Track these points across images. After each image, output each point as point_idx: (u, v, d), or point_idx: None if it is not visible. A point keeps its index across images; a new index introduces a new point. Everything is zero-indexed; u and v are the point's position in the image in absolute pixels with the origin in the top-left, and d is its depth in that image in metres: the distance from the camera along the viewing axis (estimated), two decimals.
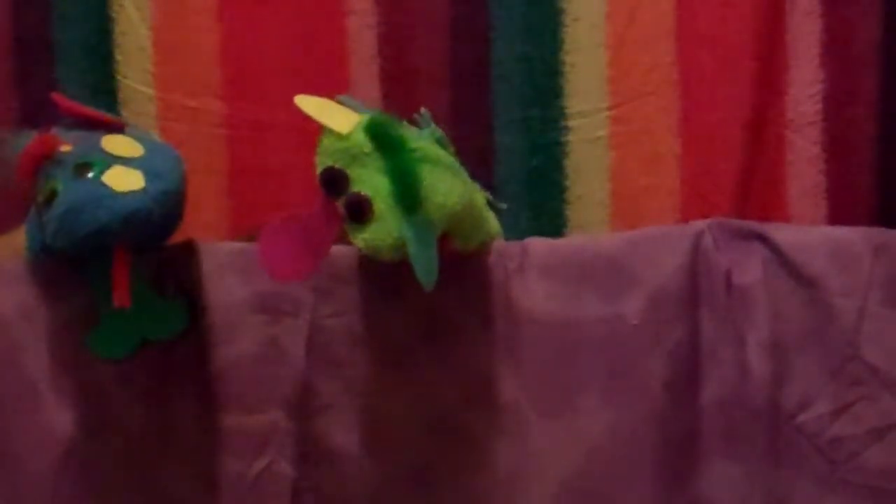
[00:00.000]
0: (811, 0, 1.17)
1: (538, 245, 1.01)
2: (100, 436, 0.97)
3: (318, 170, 0.89)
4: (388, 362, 0.99)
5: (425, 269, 0.86)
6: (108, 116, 1.02)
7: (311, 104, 0.90)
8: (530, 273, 0.98)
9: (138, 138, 0.99)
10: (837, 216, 1.17)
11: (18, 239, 1.05)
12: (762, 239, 0.98)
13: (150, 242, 0.96)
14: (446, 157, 0.94)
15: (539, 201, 1.19)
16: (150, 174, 0.92)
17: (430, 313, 0.99)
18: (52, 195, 0.91)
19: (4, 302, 0.97)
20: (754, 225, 1.01)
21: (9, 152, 0.95)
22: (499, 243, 1.01)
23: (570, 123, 1.19)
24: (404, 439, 0.99)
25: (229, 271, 1.00)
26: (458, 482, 0.99)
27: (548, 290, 0.98)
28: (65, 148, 0.94)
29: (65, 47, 1.18)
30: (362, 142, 0.88)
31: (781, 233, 0.99)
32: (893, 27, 1.16)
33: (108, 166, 0.92)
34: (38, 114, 1.14)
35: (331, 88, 1.17)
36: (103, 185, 0.90)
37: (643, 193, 1.19)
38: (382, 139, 0.88)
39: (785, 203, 1.19)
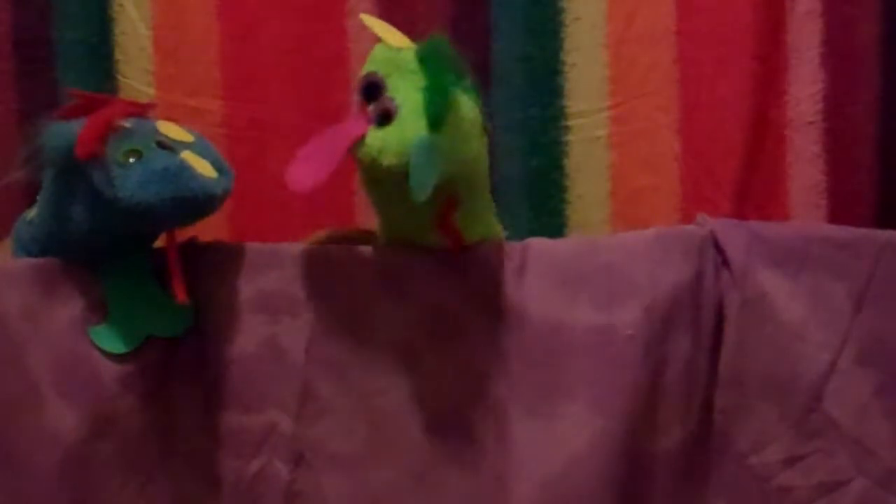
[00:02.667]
0: (811, 0, 1.17)
1: (539, 245, 1.01)
2: (101, 436, 0.97)
3: (362, 73, 0.93)
4: (387, 363, 0.99)
5: (421, 181, 0.88)
6: (140, 103, 1.03)
7: (372, 21, 0.95)
8: (529, 274, 0.98)
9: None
10: (837, 216, 1.17)
11: (5, 251, 1.05)
12: (750, 274, 0.98)
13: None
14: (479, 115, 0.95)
15: (539, 201, 1.19)
16: (215, 166, 0.97)
17: (430, 313, 0.99)
18: (137, 153, 0.92)
19: (7, 302, 0.97)
20: (755, 227, 1.01)
21: (36, 143, 0.95)
22: (500, 242, 1.02)
23: (570, 123, 1.19)
24: (403, 440, 0.99)
25: (229, 271, 1.00)
26: (455, 483, 0.99)
27: (544, 292, 0.98)
28: (128, 123, 0.95)
29: (65, 47, 1.18)
30: (410, 58, 0.91)
31: (767, 274, 0.98)
32: (893, 27, 1.16)
33: (183, 149, 0.95)
34: (38, 114, 1.14)
35: (331, 88, 1.17)
36: (188, 163, 0.94)
37: (643, 193, 1.19)
38: (433, 60, 0.90)
39: (785, 203, 1.19)
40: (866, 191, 1.18)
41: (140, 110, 0.99)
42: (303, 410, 0.99)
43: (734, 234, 0.99)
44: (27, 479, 0.97)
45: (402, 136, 0.88)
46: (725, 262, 0.98)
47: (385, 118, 0.90)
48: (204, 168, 0.95)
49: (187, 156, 0.94)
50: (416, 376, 0.99)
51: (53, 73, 1.18)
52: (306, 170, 0.91)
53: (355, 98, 0.93)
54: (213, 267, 1.00)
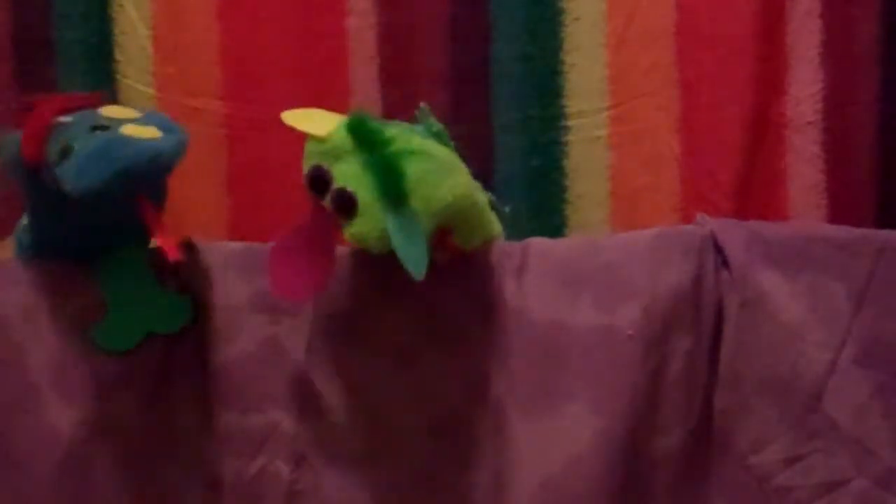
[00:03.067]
0: (811, 0, 1.17)
1: (539, 245, 1.01)
2: (101, 436, 0.97)
3: (305, 170, 0.91)
4: (387, 362, 0.99)
5: (412, 260, 0.87)
6: (85, 95, 1.01)
7: (293, 116, 0.93)
8: (529, 274, 0.98)
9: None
10: (837, 216, 1.17)
11: (5, 251, 1.05)
12: (749, 274, 0.98)
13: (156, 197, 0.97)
14: (440, 150, 0.94)
15: (539, 201, 1.19)
16: (161, 128, 0.93)
17: (430, 313, 0.99)
18: (68, 149, 0.90)
19: (6, 303, 0.97)
20: (755, 227, 1.01)
21: (2, 153, 0.95)
22: (500, 243, 1.02)
23: (570, 123, 1.19)
24: (403, 440, 0.99)
25: (229, 271, 1.00)
26: (456, 483, 0.99)
27: (544, 292, 0.98)
28: (64, 118, 0.94)
29: (65, 47, 1.18)
30: (343, 141, 0.90)
31: (767, 274, 0.98)
32: (893, 27, 1.16)
33: (121, 125, 0.92)
34: None
35: (331, 88, 1.18)
36: (123, 135, 0.91)
37: (643, 193, 1.19)
38: (362, 136, 0.89)
39: (785, 203, 1.19)
40: (866, 191, 1.18)
41: (84, 102, 0.97)
42: (303, 410, 0.99)
43: (734, 234, 0.99)
44: (27, 478, 0.97)
45: (376, 224, 0.88)
46: (725, 262, 0.98)
47: (345, 208, 0.89)
48: (145, 133, 0.92)
49: (126, 128, 0.92)
50: (416, 376, 0.99)
51: (53, 73, 1.18)
52: (298, 278, 0.92)
53: (308, 194, 0.92)
54: (213, 267, 1.00)
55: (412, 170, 0.89)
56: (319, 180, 0.90)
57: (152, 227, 0.93)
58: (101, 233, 0.97)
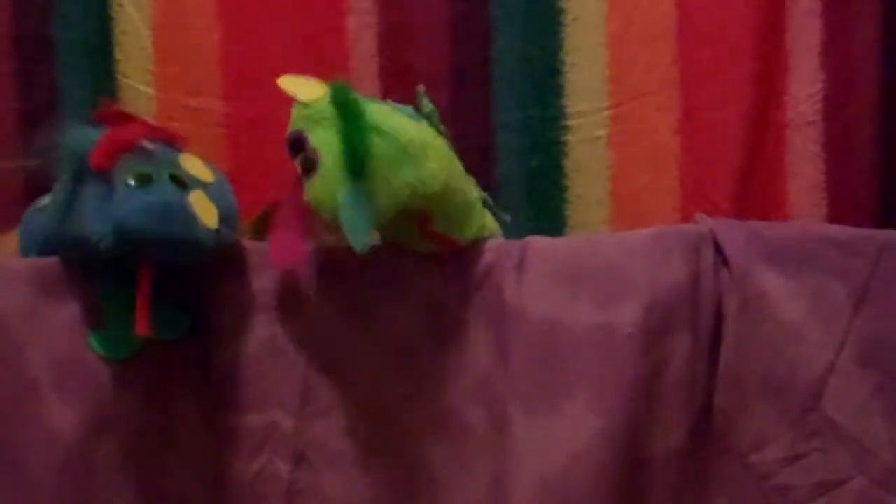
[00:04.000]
0: (811, 0, 1.17)
1: (539, 244, 1.01)
2: (101, 436, 0.97)
3: (286, 136, 0.94)
4: (387, 362, 0.99)
5: (354, 232, 0.89)
6: (168, 129, 1.03)
7: (287, 81, 0.95)
8: (529, 272, 0.98)
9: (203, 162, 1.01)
10: (837, 215, 1.17)
11: (11, 242, 1.05)
12: (749, 273, 0.98)
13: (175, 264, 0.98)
14: (419, 135, 0.94)
15: (539, 201, 1.19)
16: (221, 214, 0.96)
17: (430, 312, 0.99)
18: (148, 179, 0.92)
19: (6, 303, 0.97)
20: (754, 226, 1.01)
21: (66, 141, 0.95)
22: (500, 241, 1.02)
23: (570, 123, 1.19)
24: (403, 439, 1.00)
25: (230, 271, 1.00)
26: (455, 482, 0.99)
27: (544, 290, 0.98)
28: (148, 145, 0.95)
29: (65, 47, 1.18)
30: (324, 108, 0.92)
31: (767, 274, 0.98)
32: (893, 27, 1.16)
33: (194, 189, 0.95)
34: (38, 114, 1.14)
35: None
36: (191, 205, 0.93)
37: (643, 193, 1.19)
38: (342, 106, 0.91)
39: (785, 202, 1.19)
40: (866, 191, 1.18)
41: (168, 136, 0.99)
42: (304, 410, 0.99)
43: (733, 234, 0.99)
44: (27, 479, 0.97)
45: (328, 187, 0.90)
46: (725, 262, 0.98)
47: (309, 169, 0.91)
48: (207, 214, 0.94)
49: (195, 197, 0.94)
50: (416, 375, 0.99)
51: (53, 73, 1.18)
52: (285, 249, 0.95)
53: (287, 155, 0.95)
54: (214, 267, 1.00)
55: (379, 148, 0.91)
56: (297, 142, 0.93)
57: (138, 294, 0.93)
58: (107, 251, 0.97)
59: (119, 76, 1.18)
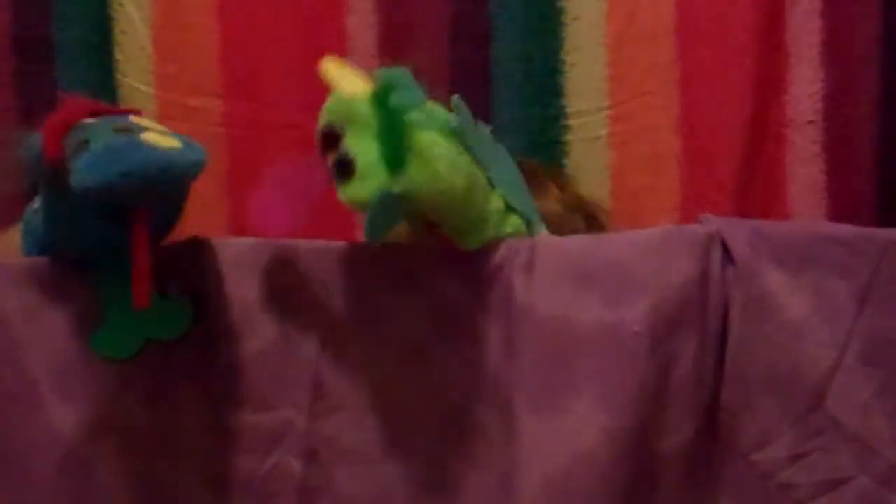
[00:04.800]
0: (811, 0, 1.17)
1: (547, 242, 1.01)
2: (103, 436, 0.97)
3: (319, 125, 0.92)
4: (398, 359, 0.99)
5: (375, 231, 0.89)
6: (120, 108, 1.01)
7: (332, 69, 0.93)
8: (538, 271, 0.98)
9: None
10: (837, 215, 1.18)
11: (13, 239, 1.05)
12: (754, 272, 0.98)
13: (164, 216, 0.95)
14: (448, 150, 0.94)
15: None
16: (184, 142, 0.90)
17: (440, 310, 0.98)
18: (85, 143, 0.87)
19: (6, 302, 0.97)
20: (758, 225, 1.01)
21: (24, 152, 0.94)
22: (508, 239, 1.01)
23: (570, 123, 1.20)
24: (414, 436, 0.99)
25: (240, 268, 0.99)
26: (465, 479, 0.99)
27: (553, 288, 0.98)
28: (90, 120, 0.91)
29: (65, 47, 1.18)
30: (363, 106, 0.90)
31: (771, 272, 0.98)
32: (893, 27, 1.16)
33: (143, 131, 0.89)
34: (38, 114, 1.14)
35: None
36: (141, 139, 0.88)
37: (643, 193, 1.20)
38: (386, 109, 0.89)
39: (785, 202, 1.19)
40: (866, 191, 1.18)
41: (116, 110, 0.96)
42: (315, 407, 0.99)
43: (738, 232, 0.99)
44: (27, 479, 0.96)
45: (364, 192, 0.89)
46: (730, 260, 0.98)
47: (344, 171, 0.90)
48: (164, 142, 0.89)
49: (147, 135, 0.89)
50: (426, 372, 0.99)
51: (53, 73, 1.18)
52: (272, 212, 0.96)
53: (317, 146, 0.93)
54: (224, 264, 0.99)
55: (421, 146, 0.89)
56: (330, 137, 0.91)
57: (136, 253, 0.90)
58: (100, 241, 0.96)
59: (119, 76, 1.18)
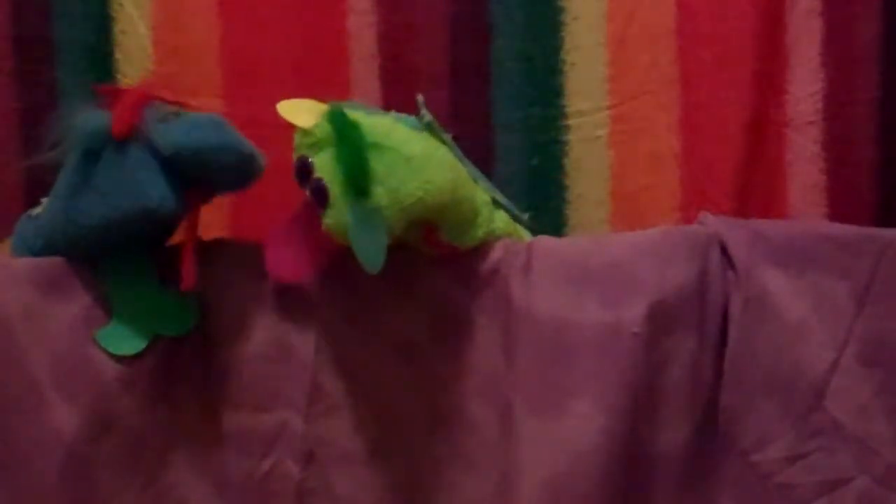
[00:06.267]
0: (811, 0, 1.17)
1: (545, 244, 1.01)
2: (103, 436, 0.97)
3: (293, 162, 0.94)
4: (395, 361, 0.99)
5: (366, 253, 0.90)
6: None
7: (286, 108, 0.95)
8: (535, 272, 0.99)
9: None
10: (837, 215, 1.17)
11: (2, 251, 1.05)
12: (753, 272, 0.98)
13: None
14: (420, 145, 0.94)
15: (539, 201, 1.19)
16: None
17: (437, 312, 0.99)
18: (175, 115, 0.94)
19: (8, 302, 0.97)
20: (758, 225, 1.01)
21: (62, 129, 0.95)
22: (507, 241, 1.02)
23: (570, 122, 1.19)
24: (411, 438, 1.00)
25: (237, 270, 1.00)
26: (463, 480, 1.00)
27: (550, 290, 0.98)
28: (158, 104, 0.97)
29: (65, 47, 1.18)
30: (324, 132, 0.92)
31: (770, 273, 0.98)
32: (894, 27, 1.16)
33: None
34: (38, 114, 1.14)
35: (331, 88, 1.17)
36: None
37: (643, 192, 1.19)
38: (338, 127, 0.91)
39: (785, 202, 1.19)
40: (866, 191, 1.18)
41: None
42: (312, 409, 0.99)
43: (737, 233, 0.99)
44: (28, 479, 0.97)
45: (339, 213, 0.91)
46: (728, 261, 0.99)
47: (320, 199, 0.92)
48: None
49: None
50: (423, 374, 0.99)
51: (53, 73, 1.18)
52: (290, 261, 0.97)
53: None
54: (222, 266, 1.00)
55: (380, 164, 0.91)
56: (303, 170, 0.93)
57: (189, 231, 0.96)
58: (120, 234, 0.96)
59: (119, 76, 1.18)
